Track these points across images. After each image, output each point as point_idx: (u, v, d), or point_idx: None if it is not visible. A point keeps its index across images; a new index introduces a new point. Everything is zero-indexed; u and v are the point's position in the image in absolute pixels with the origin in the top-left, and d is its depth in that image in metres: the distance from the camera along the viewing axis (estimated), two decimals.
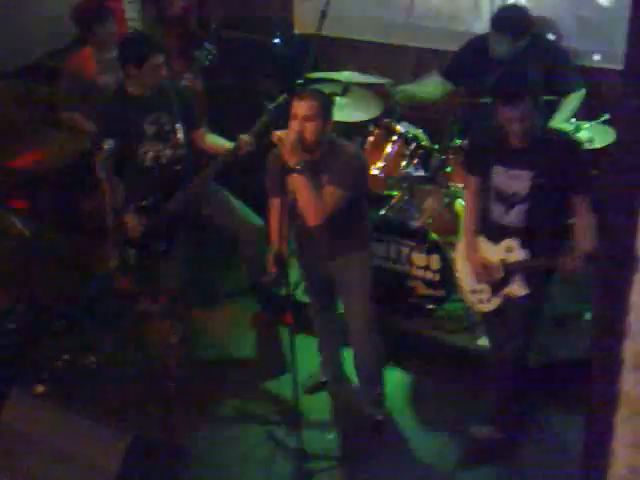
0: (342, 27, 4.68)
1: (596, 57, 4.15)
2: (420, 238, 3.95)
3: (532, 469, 3.36)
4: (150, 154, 3.78)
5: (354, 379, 3.72)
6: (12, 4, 5.04)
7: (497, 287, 3.22)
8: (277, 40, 4.84)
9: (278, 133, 3.07)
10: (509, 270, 3.16)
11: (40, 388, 3.92)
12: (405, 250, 3.99)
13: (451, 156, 4.09)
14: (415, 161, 4.13)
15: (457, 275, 3.45)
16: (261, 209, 3.77)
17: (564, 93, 3.97)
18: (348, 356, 3.71)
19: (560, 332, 3.85)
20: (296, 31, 4.97)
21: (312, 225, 3.14)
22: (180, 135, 3.82)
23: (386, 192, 4.21)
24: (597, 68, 4.14)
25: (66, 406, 3.27)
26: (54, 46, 5.11)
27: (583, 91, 3.97)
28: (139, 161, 3.78)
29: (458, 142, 4.04)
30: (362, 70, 4.28)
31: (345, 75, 4.19)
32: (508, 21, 3.92)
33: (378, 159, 4.14)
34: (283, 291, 3.30)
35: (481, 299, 3.31)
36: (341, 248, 3.33)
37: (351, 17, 4.71)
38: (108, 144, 3.31)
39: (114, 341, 4.17)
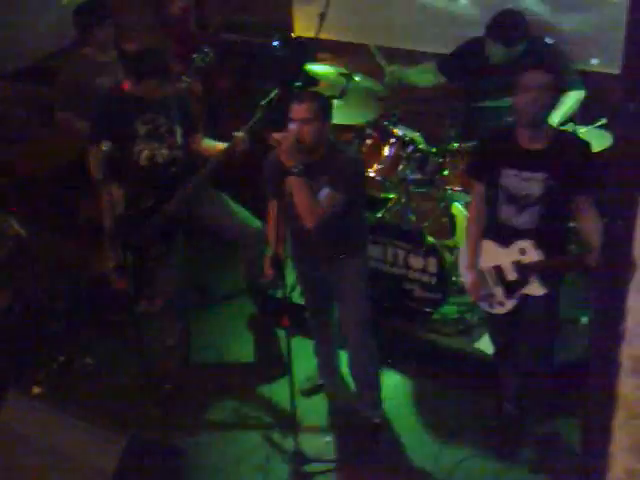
0: (341, 30, 4.68)
1: (594, 61, 4.16)
2: (417, 241, 3.95)
3: (531, 472, 3.35)
4: (145, 153, 3.77)
5: (351, 382, 3.71)
6: (12, 6, 5.03)
7: (512, 289, 3.19)
8: (276, 43, 4.85)
9: (276, 135, 3.07)
10: (524, 271, 3.13)
11: (37, 389, 3.91)
12: (402, 253, 4.00)
13: (448, 159, 4.10)
14: (412, 164, 4.13)
15: (462, 279, 3.43)
16: (259, 211, 3.77)
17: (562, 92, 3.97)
18: (345, 358, 3.71)
19: (557, 336, 3.86)
20: (295, 34, 4.98)
21: (308, 227, 3.14)
22: (177, 137, 3.82)
23: (383, 195, 4.22)
24: (595, 72, 4.15)
25: (63, 407, 3.27)
26: (54, 47, 5.11)
27: (582, 92, 3.97)
28: (134, 160, 3.77)
29: (455, 145, 4.04)
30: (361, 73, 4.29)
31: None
32: (503, 28, 3.91)
33: (375, 162, 4.14)
34: (280, 293, 3.30)
35: (492, 303, 3.28)
36: (337, 252, 3.33)
37: (350, 20, 4.71)
38: (105, 145, 3.30)
39: (111, 343, 4.17)
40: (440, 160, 4.13)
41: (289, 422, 3.40)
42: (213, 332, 4.30)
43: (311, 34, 4.34)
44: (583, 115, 4.01)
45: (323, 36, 4.34)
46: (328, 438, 3.61)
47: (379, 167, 4.14)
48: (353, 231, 3.33)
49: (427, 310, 4.02)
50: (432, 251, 3.93)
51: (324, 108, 3.14)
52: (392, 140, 4.15)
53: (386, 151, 4.16)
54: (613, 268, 1.63)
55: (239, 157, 3.85)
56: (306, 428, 3.54)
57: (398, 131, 4.16)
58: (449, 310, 4.04)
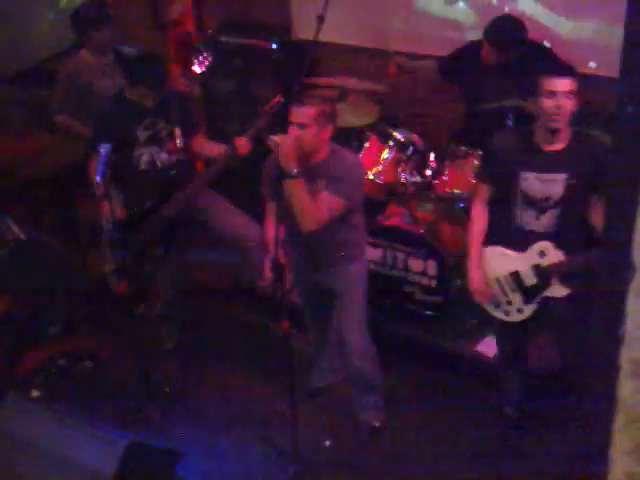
0: (340, 33, 4.68)
1: (592, 64, 4.16)
2: (416, 244, 3.95)
3: (531, 475, 3.36)
4: (145, 157, 3.78)
5: (350, 385, 3.71)
6: (11, 9, 5.04)
7: (532, 294, 3.13)
8: (275, 45, 4.85)
9: (274, 138, 3.06)
10: (545, 274, 3.08)
11: (36, 392, 3.91)
12: (401, 256, 4.00)
13: (447, 162, 4.10)
14: (411, 167, 4.13)
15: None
16: (258, 214, 3.77)
17: None
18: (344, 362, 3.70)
19: (556, 340, 3.85)
20: (294, 36, 4.98)
21: (305, 232, 3.13)
22: (178, 140, 3.82)
23: (382, 198, 4.22)
24: (592, 75, 4.15)
25: (62, 411, 3.27)
26: (52, 50, 5.12)
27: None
28: (134, 165, 3.78)
29: (462, 148, 4.04)
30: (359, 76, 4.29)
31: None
32: (499, 33, 3.91)
33: (375, 165, 4.14)
34: (279, 296, 3.29)
35: (508, 310, 3.22)
36: (334, 258, 3.32)
37: (349, 23, 4.71)
38: (104, 148, 3.31)
39: (110, 346, 4.17)
40: (439, 163, 4.13)
41: (289, 425, 3.39)
42: (212, 335, 4.30)
43: (310, 37, 4.34)
44: (581, 118, 4.01)
45: (322, 39, 4.34)
46: (328, 442, 3.60)
47: (378, 170, 4.14)
48: (351, 236, 3.31)
49: (428, 313, 4.02)
50: (432, 254, 3.93)
51: (325, 113, 3.11)
52: (391, 143, 4.15)
53: (385, 154, 4.16)
54: (612, 271, 1.63)
55: (239, 161, 3.86)
56: (306, 431, 3.52)
57: (397, 134, 4.16)
58: (450, 313, 4.03)
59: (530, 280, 3.13)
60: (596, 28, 4.07)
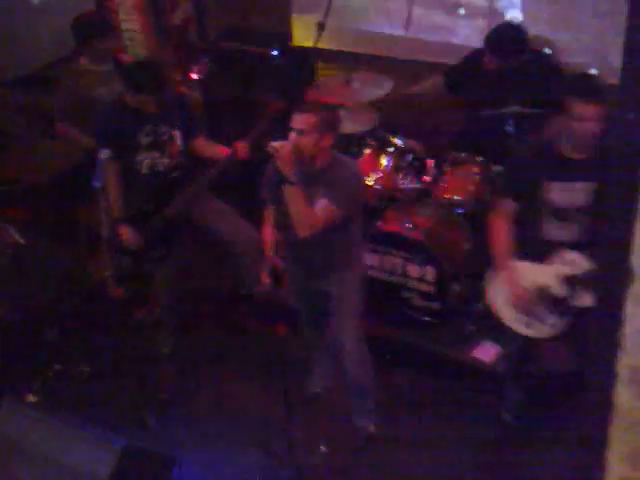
0: (340, 40, 4.70)
1: (592, 71, 4.17)
2: (415, 250, 3.95)
3: None
4: (147, 162, 3.79)
5: (346, 390, 3.70)
6: (12, 15, 5.05)
7: (563, 306, 3.06)
8: (275, 52, 4.86)
9: (274, 144, 3.07)
10: (577, 283, 3.02)
11: (32, 397, 3.90)
12: (399, 262, 3.99)
13: (447, 168, 4.11)
14: (410, 173, 4.14)
15: (492, 305, 3.27)
16: (256, 219, 3.77)
17: (556, 111, 3.97)
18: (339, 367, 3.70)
19: (555, 345, 3.85)
20: (294, 43, 5.00)
21: (302, 237, 3.13)
22: (179, 143, 3.83)
23: (381, 204, 4.22)
24: None
25: (58, 415, 3.26)
26: (54, 56, 5.12)
27: None
28: (136, 169, 3.79)
29: (462, 154, 4.04)
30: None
31: None
32: (500, 41, 3.93)
33: (374, 171, 4.15)
34: (276, 301, 3.29)
35: (540, 327, 3.14)
36: (331, 265, 3.31)
37: (348, 30, 4.73)
38: (104, 154, 3.31)
39: (107, 351, 4.16)
40: (438, 169, 4.13)
41: (285, 431, 3.38)
42: (209, 340, 4.29)
43: (310, 43, 4.36)
44: None
45: (322, 45, 4.36)
46: (324, 447, 3.59)
47: (377, 176, 4.14)
48: (348, 244, 3.31)
49: (425, 319, 4.02)
50: (430, 260, 3.93)
51: (326, 121, 3.10)
52: (390, 149, 4.16)
53: (384, 160, 4.17)
54: (611, 277, 1.63)
55: (239, 165, 3.86)
56: (302, 437, 3.52)
57: (396, 140, 4.16)
58: (448, 319, 4.03)
59: (560, 292, 3.06)
60: (597, 35, 4.08)
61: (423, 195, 4.18)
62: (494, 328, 3.92)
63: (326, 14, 4.23)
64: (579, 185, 2.98)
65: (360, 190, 3.31)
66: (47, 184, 4.73)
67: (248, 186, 3.91)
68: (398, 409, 3.78)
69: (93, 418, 3.59)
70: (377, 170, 4.15)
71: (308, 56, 4.48)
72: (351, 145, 4.28)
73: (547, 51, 4.16)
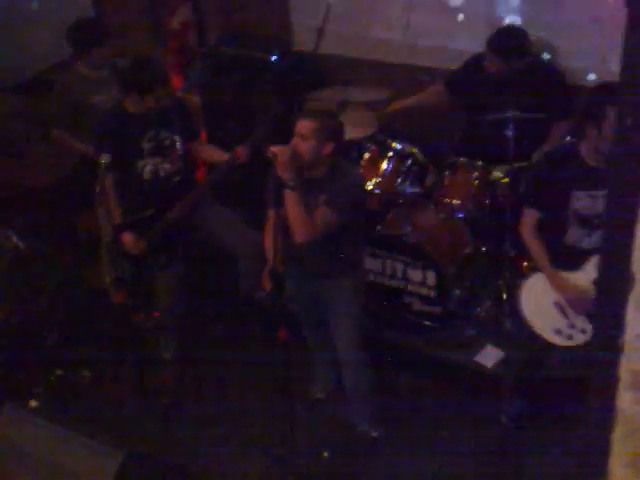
0: (340, 45, 4.70)
1: (591, 76, 4.18)
2: (415, 254, 3.95)
3: None
4: (149, 168, 3.80)
5: (348, 396, 3.70)
6: (12, 18, 5.05)
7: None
8: (274, 57, 4.87)
9: (273, 148, 3.07)
10: None
11: (34, 402, 3.90)
12: (400, 266, 3.99)
13: (447, 172, 4.11)
14: (411, 178, 4.14)
15: (527, 317, 3.24)
16: (257, 223, 3.77)
17: (556, 116, 3.98)
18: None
19: (556, 349, 3.85)
20: (294, 48, 5.00)
21: (299, 243, 3.13)
22: (179, 147, 3.84)
23: (381, 208, 4.22)
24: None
25: (59, 421, 3.26)
26: (53, 61, 5.12)
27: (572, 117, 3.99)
28: (137, 175, 3.79)
29: (462, 158, 4.04)
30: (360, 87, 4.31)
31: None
32: (503, 42, 3.93)
33: (374, 175, 4.15)
34: (278, 306, 3.29)
35: (571, 334, 3.14)
36: (330, 271, 3.32)
37: (348, 35, 4.73)
38: (104, 159, 3.31)
39: (109, 356, 4.16)
40: (439, 173, 4.14)
41: (288, 436, 3.38)
42: (210, 345, 4.29)
43: (310, 49, 4.36)
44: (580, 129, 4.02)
45: (322, 51, 4.36)
46: (326, 453, 3.59)
47: (377, 181, 4.15)
48: (346, 252, 3.31)
49: (427, 323, 4.02)
50: (431, 264, 3.93)
51: (327, 128, 3.10)
52: (390, 154, 4.16)
53: (384, 165, 4.17)
54: (612, 282, 1.63)
55: (239, 170, 3.86)
56: (304, 442, 3.52)
57: (396, 145, 4.17)
58: (449, 323, 4.03)
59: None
60: (596, 40, 4.08)
61: (423, 199, 4.18)
62: (495, 332, 3.95)
63: (325, 19, 4.24)
64: (603, 192, 3.00)
65: (361, 200, 3.32)
66: (47, 189, 4.74)
67: (248, 191, 3.92)
68: (400, 414, 3.78)
69: (95, 424, 3.60)
70: (377, 175, 4.15)
71: (309, 61, 4.48)
72: (351, 150, 4.29)
73: (546, 56, 4.17)
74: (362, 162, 4.19)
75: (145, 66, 3.70)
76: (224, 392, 3.99)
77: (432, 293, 3.96)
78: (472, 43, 4.33)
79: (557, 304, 3.17)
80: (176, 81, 4.82)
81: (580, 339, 3.15)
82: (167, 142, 3.80)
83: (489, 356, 3.87)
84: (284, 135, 3.18)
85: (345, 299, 3.37)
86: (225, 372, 4.13)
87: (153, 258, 3.78)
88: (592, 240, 3.06)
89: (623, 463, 1.63)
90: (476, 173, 4.06)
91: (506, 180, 3.94)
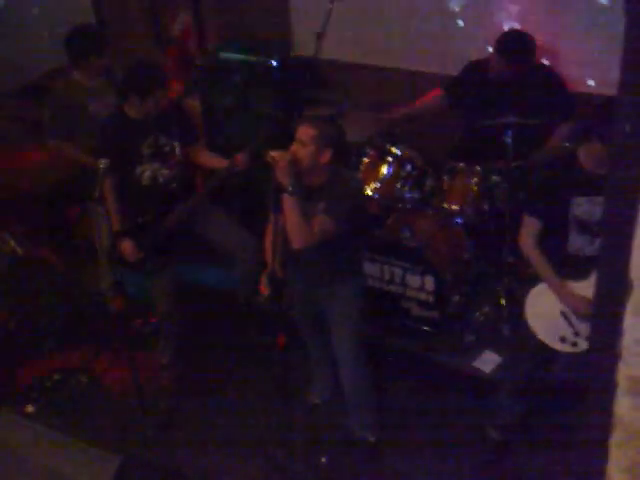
0: (340, 49, 4.71)
1: (590, 82, 4.19)
2: (414, 259, 3.95)
3: None
4: (147, 173, 3.80)
5: (346, 401, 3.69)
6: (13, 23, 5.06)
7: None
8: (275, 62, 4.87)
9: (273, 153, 3.08)
10: None
11: (30, 408, 3.89)
12: (399, 271, 3.99)
13: (446, 178, 4.11)
14: (410, 183, 4.14)
15: (531, 326, 3.20)
16: (256, 230, 3.77)
17: (557, 119, 3.99)
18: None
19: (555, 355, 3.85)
20: (294, 53, 5.01)
21: (296, 248, 3.13)
22: (178, 153, 3.84)
23: (380, 213, 4.22)
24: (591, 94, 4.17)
25: (56, 426, 3.25)
26: (52, 65, 5.13)
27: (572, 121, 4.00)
28: (136, 180, 3.79)
29: (461, 164, 4.05)
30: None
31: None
32: (511, 45, 3.94)
33: (373, 180, 4.15)
34: (276, 311, 3.28)
35: (576, 342, 3.12)
36: (329, 278, 3.32)
37: (348, 40, 4.74)
38: (103, 164, 3.31)
39: (106, 361, 4.16)
40: (438, 178, 4.14)
41: (286, 442, 3.37)
42: (209, 349, 4.28)
43: (310, 53, 4.37)
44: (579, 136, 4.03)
45: (322, 55, 4.36)
46: (324, 459, 3.58)
47: (377, 186, 4.15)
48: (344, 258, 3.31)
49: (425, 329, 4.02)
50: (429, 269, 3.93)
51: (326, 135, 3.10)
52: (390, 159, 4.17)
53: (384, 170, 4.17)
54: (610, 287, 1.63)
55: (238, 176, 3.86)
56: (302, 448, 3.51)
57: (396, 149, 4.17)
58: (447, 328, 4.02)
59: None
60: (594, 46, 4.09)
61: (422, 204, 4.18)
62: (493, 338, 3.95)
63: (325, 24, 4.24)
64: (602, 198, 2.99)
65: (361, 207, 3.32)
66: (45, 194, 4.73)
67: (247, 196, 3.93)
68: (398, 419, 3.77)
69: (92, 429, 3.59)
70: (376, 180, 4.16)
71: (310, 66, 4.48)
72: (350, 154, 4.29)
73: (545, 62, 4.17)
74: (361, 167, 4.19)
75: (144, 67, 3.70)
76: (222, 397, 3.99)
77: (430, 298, 3.96)
78: (472, 49, 4.34)
79: (563, 313, 3.16)
80: (176, 87, 4.83)
81: (584, 346, 3.15)
82: (166, 148, 3.80)
83: (487, 361, 3.87)
84: (284, 140, 3.18)
85: (344, 304, 3.37)
86: (223, 377, 4.12)
87: (150, 264, 3.77)
88: (594, 248, 3.05)
89: (621, 469, 1.62)
90: (475, 179, 4.06)
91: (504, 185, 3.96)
